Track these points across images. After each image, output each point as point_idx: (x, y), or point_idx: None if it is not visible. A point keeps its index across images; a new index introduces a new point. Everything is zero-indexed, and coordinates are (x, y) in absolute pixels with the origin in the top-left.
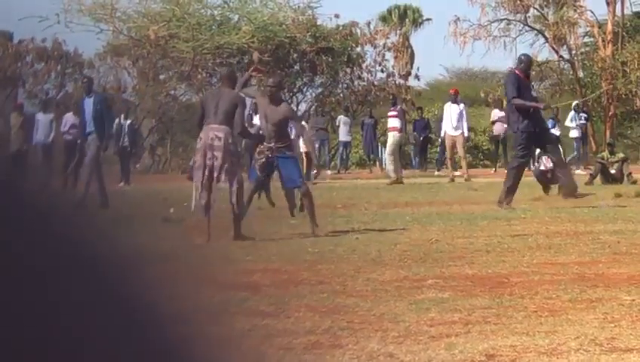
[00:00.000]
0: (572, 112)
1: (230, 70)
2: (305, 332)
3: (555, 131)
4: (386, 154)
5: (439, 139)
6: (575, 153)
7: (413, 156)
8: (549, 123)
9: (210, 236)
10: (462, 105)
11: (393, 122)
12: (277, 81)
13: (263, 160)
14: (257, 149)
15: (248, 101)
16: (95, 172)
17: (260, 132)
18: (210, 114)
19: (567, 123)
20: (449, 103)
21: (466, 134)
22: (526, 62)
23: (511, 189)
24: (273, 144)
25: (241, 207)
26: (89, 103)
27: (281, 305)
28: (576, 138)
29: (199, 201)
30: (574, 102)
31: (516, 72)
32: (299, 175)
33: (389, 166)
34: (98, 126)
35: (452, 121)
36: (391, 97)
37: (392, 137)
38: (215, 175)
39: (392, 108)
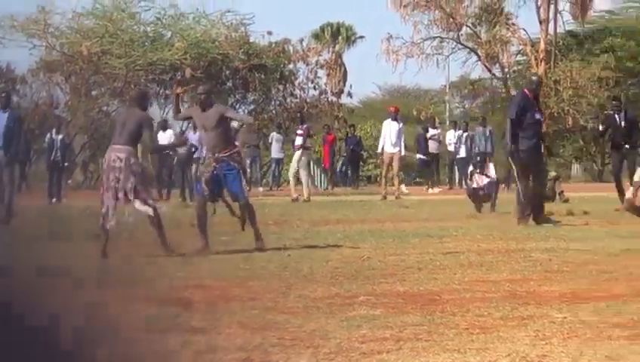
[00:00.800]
0: None
1: (140, 92)
2: (236, 348)
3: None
4: (291, 173)
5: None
6: None
7: (338, 171)
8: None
9: (106, 253)
10: (401, 124)
11: (299, 140)
12: (206, 88)
13: (208, 174)
14: (204, 162)
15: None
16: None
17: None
18: (116, 134)
19: None
20: (389, 120)
21: (402, 152)
22: (536, 83)
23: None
24: (217, 154)
25: (158, 225)
26: (2, 118)
27: (212, 321)
28: None
29: (112, 220)
30: None
31: (525, 91)
32: (241, 188)
33: (292, 182)
34: (7, 143)
35: (391, 138)
36: (298, 115)
37: (297, 155)
38: (121, 195)
39: (299, 127)
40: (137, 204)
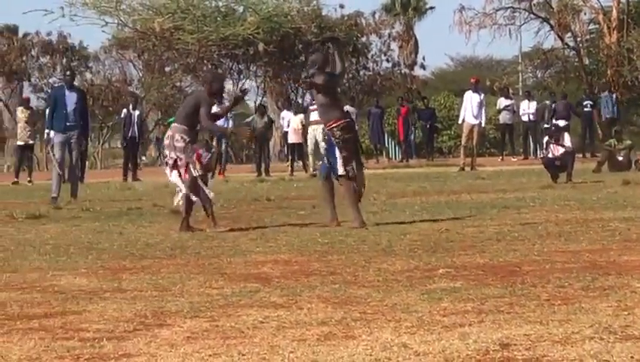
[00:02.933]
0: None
1: (213, 74)
2: (318, 323)
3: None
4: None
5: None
6: None
7: (406, 144)
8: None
9: (186, 227)
10: (482, 95)
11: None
12: (313, 58)
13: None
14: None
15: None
16: (77, 165)
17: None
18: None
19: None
20: (469, 92)
21: (483, 124)
22: None
23: None
24: (323, 125)
25: (202, 198)
26: (71, 97)
27: (292, 296)
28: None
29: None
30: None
31: None
32: (335, 161)
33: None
34: (84, 121)
35: (473, 109)
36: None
37: (319, 130)
38: (167, 170)
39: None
40: (173, 177)
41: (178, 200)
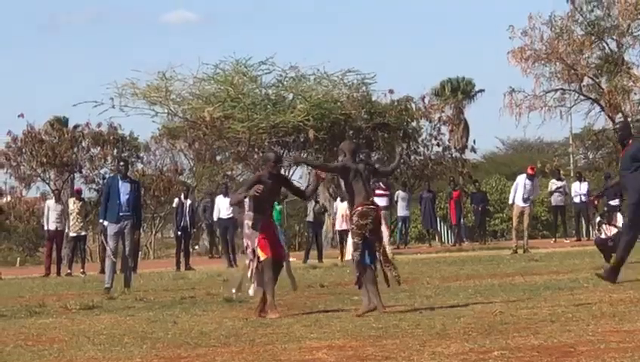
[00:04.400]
0: None
1: (277, 154)
2: None
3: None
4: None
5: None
6: None
7: (461, 230)
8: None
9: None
10: (536, 180)
11: (382, 201)
12: (342, 146)
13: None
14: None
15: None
16: (130, 255)
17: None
18: None
19: None
20: (524, 175)
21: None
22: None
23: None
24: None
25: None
26: (125, 187)
27: None
28: None
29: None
30: None
31: None
32: (367, 247)
33: None
34: (137, 211)
35: (525, 192)
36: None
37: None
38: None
39: (380, 186)
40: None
41: (248, 289)
